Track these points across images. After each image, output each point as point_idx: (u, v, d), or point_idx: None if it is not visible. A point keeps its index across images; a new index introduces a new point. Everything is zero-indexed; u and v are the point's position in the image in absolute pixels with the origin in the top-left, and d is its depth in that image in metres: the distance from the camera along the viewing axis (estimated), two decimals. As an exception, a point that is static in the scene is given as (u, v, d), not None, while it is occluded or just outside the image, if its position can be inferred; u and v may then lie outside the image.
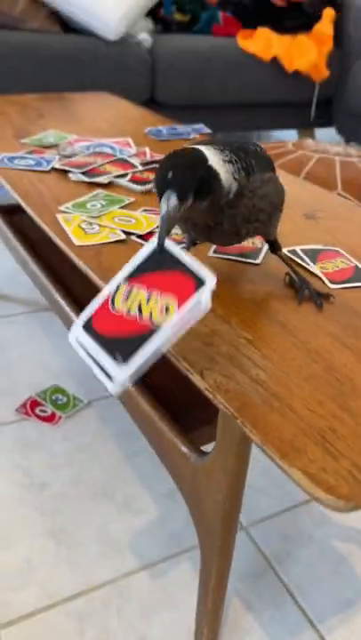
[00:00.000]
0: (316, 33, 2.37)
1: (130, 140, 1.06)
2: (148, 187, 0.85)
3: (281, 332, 0.53)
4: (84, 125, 1.21)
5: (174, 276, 0.44)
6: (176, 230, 0.70)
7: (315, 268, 0.65)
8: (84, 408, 1.09)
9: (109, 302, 0.46)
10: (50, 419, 1.07)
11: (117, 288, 0.46)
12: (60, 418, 1.07)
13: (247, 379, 0.46)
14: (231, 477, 0.53)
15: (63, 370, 1.19)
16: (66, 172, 0.90)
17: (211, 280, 0.43)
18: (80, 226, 0.72)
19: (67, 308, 0.84)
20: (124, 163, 0.93)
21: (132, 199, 0.81)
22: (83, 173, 0.88)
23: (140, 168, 0.92)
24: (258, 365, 0.48)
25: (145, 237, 0.70)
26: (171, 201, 0.46)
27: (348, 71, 2.41)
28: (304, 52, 2.33)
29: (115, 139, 1.07)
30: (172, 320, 0.43)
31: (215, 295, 0.59)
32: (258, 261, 0.67)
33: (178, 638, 0.72)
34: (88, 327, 0.46)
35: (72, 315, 0.84)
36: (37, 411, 1.08)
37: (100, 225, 0.72)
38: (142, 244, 0.68)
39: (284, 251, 0.69)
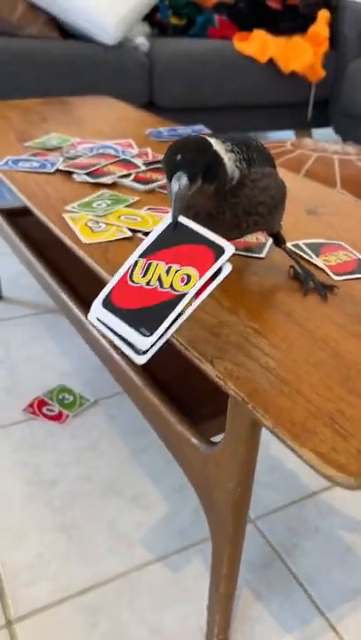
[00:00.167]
0: (312, 34, 2.39)
1: (132, 142, 1.08)
2: (152, 186, 0.87)
3: (288, 321, 0.55)
4: (86, 128, 1.22)
5: (192, 248, 0.46)
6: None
7: (318, 261, 0.66)
8: (91, 407, 1.10)
9: (128, 278, 0.47)
10: (57, 418, 1.08)
11: (135, 264, 0.48)
12: (67, 417, 1.08)
13: (257, 366, 0.48)
14: (242, 465, 0.54)
15: (69, 370, 1.20)
16: (70, 173, 0.92)
17: (230, 249, 0.45)
18: (87, 224, 0.73)
19: (73, 307, 0.85)
20: (127, 163, 0.95)
21: (137, 198, 0.83)
22: (87, 174, 0.90)
23: (144, 168, 0.93)
24: (266, 353, 0.49)
25: (151, 234, 0.71)
26: (182, 180, 0.48)
27: (344, 71, 2.43)
28: (300, 54, 2.36)
29: (117, 140, 1.09)
30: (196, 286, 0.44)
31: (222, 288, 0.60)
32: (262, 255, 0.68)
33: (190, 629, 0.73)
34: (107, 304, 0.47)
35: (79, 313, 0.85)
36: (45, 410, 1.09)
37: (106, 223, 0.73)
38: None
39: (288, 245, 0.71)
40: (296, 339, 0.52)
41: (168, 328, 0.45)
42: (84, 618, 0.74)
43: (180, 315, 0.45)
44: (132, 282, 0.47)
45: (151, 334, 0.44)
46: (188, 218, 0.60)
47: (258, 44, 2.32)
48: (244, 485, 0.56)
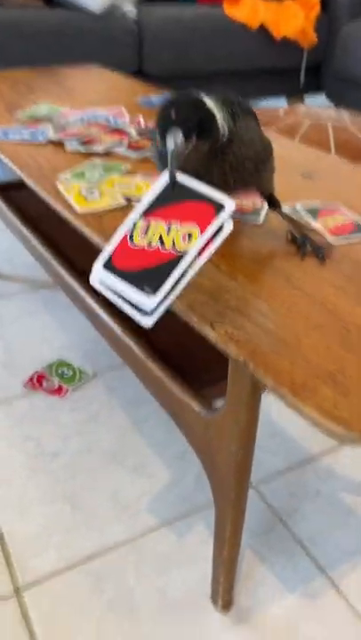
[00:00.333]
0: (303, -3, 2.34)
1: (123, 110, 1.06)
2: (145, 154, 0.85)
3: (286, 285, 0.54)
4: (76, 98, 1.20)
5: (191, 205, 0.45)
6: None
7: (316, 224, 0.66)
8: (90, 380, 1.11)
9: (128, 239, 0.47)
10: (57, 392, 1.08)
11: (134, 225, 0.47)
12: (67, 390, 1.08)
13: (256, 329, 0.48)
14: (243, 428, 0.55)
15: (67, 344, 1.20)
16: (62, 143, 0.90)
17: (230, 204, 0.44)
18: (81, 193, 0.72)
19: (70, 279, 0.85)
20: (119, 131, 0.93)
21: (130, 166, 0.82)
22: (79, 143, 0.88)
23: (136, 136, 0.92)
24: (266, 317, 0.49)
25: (146, 202, 0.70)
26: (178, 137, 0.47)
27: (336, 36, 2.38)
28: (291, 18, 2.31)
29: (108, 109, 1.07)
30: (198, 244, 0.44)
31: (219, 253, 0.60)
32: (259, 221, 0.67)
33: (195, 591, 0.74)
34: (109, 266, 0.47)
35: (76, 285, 0.84)
36: (44, 384, 1.09)
37: (100, 192, 0.73)
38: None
39: (285, 208, 0.70)
40: (295, 302, 0.52)
41: (173, 287, 0.44)
42: (90, 584, 0.75)
43: (184, 273, 0.44)
44: (133, 243, 0.46)
45: (156, 294, 0.44)
46: None
47: (248, 9, 2.27)
48: (246, 449, 0.57)
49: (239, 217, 0.68)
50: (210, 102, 0.53)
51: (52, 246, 0.96)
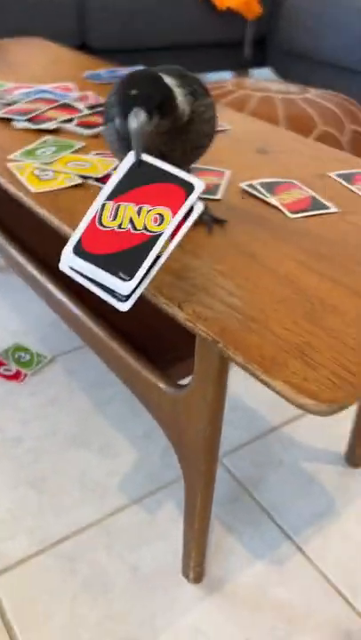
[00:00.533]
0: (246, -32, 2.31)
1: (71, 85, 1.03)
2: (97, 130, 0.83)
3: (251, 261, 0.55)
4: (19, 72, 1.15)
5: (161, 187, 0.45)
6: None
7: (274, 200, 0.66)
8: (49, 364, 1.09)
9: (97, 222, 0.46)
10: (15, 377, 1.06)
11: (103, 208, 0.46)
12: (25, 375, 1.07)
13: (224, 306, 0.48)
14: (211, 405, 0.55)
15: (23, 328, 1.18)
16: (9, 120, 0.87)
17: (200, 184, 0.44)
18: (34, 173, 0.70)
19: (25, 262, 0.83)
20: (68, 108, 0.91)
21: (83, 144, 0.80)
22: (27, 120, 0.85)
23: (87, 112, 0.89)
24: (232, 294, 0.50)
25: (103, 180, 0.69)
26: (140, 116, 0.46)
27: (281, 7, 2.38)
28: (235, -11, 2.28)
29: (55, 84, 1.03)
30: (171, 225, 0.43)
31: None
32: (218, 197, 0.67)
33: (166, 565, 0.76)
34: (79, 251, 0.45)
35: (32, 268, 0.83)
36: (1, 370, 1.07)
37: (54, 171, 0.71)
38: (101, 187, 0.68)
39: (242, 185, 0.70)
40: (260, 277, 0.52)
41: (148, 271, 0.44)
42: (63, 565, 0.75)
43: (158, 256, 0.44)
44: (103, 226, 0.45)
45: (131, 278, 0.44)
46: None
47: (191, -21, 2.23)
48: (215, 424, 0.58)
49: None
50: (168, 79, 0.52)
51: (5, 230, 0.93)
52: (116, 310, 0.45)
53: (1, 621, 0.69)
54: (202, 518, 0.67)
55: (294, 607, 0.72)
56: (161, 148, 0.54)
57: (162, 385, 0.61)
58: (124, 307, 0.44)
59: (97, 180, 0.69)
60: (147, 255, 0.43)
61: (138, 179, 0.46)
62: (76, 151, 0.77)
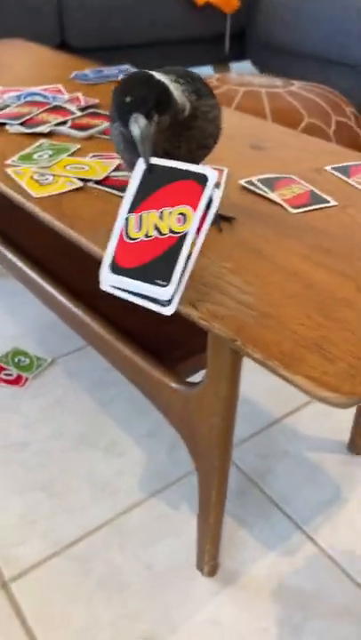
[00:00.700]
0: None
1: (61, 87, 1.02)
2: (91, 132, 0.84)
3: (258, 258, 0.56)
4: (4, 75, 1.15)
5: (175, 186, 0.45)
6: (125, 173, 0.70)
7: (274, 196, 0.67)
8: (49, 366, 1.09)
9: (125, 236, 0.46)
10: (16, 381, 1.06)
11: (127, 221, 0.47)
12: (26, 379, 1.06)
13: (237, 304, 0.49)
14: (225, 400, 0.56)
15: (20, 332, 1.17)
16: (2, 124, 0.87)
17: (212, 174, 0.45)
18: (33, 178, 0.70)
19: (23, 266, 0.83)
20: (61, 110, 0.90)
21: (78, 146, 0.80)
22: (21, 124, 0.85)
23: (79, 114, 0.89)
24: (244, 291, 0.50)
25: (103, 183, 0.69)
26: (140, 121, 0.47)
27: (259, 1, 2.38)
28: (212, -17, 2.28)
29: (44, 86, 1.03)
30: (194, 221, 0.44)
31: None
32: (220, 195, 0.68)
33: (181, 560, 0.76)
34: (115, 268, 0.46)
35: (32, 273, 0.82)
36: (2, 375, 1.07)
37: (53, 175, 0.71)
38: (102, 190, 0.68)
39: (241, 182, 0.71)
40: (268, 274, 0.53)
41: (183, 272, 0.45)
42: (78, 567, 0.76)
43: (190, 254, 0.45)
44: (131, 239, 0.46)
45: (169, 283, 0.44)
46: None
47: (168, -25, 2.23)
48: (228, 420, 0.59)
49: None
50: (162, 77, 0.53)
51: (1, 232, 0.93)
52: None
53: (22, 627, 0.69)
54: (217, 512, 0.68)
55: (308, 595, 0.73)
56: (165, 146, 0.54)
57: (173, 384, 0.62)
58: (168, 311, 0.45)
59: (97, 182, 0.69)
60: (178, 257, 0.44)
61: (152, 184, 0.46)
62: (73, 154, 0.77)
